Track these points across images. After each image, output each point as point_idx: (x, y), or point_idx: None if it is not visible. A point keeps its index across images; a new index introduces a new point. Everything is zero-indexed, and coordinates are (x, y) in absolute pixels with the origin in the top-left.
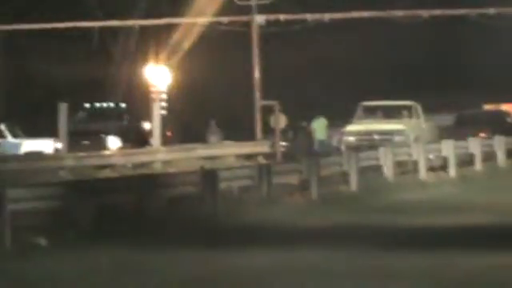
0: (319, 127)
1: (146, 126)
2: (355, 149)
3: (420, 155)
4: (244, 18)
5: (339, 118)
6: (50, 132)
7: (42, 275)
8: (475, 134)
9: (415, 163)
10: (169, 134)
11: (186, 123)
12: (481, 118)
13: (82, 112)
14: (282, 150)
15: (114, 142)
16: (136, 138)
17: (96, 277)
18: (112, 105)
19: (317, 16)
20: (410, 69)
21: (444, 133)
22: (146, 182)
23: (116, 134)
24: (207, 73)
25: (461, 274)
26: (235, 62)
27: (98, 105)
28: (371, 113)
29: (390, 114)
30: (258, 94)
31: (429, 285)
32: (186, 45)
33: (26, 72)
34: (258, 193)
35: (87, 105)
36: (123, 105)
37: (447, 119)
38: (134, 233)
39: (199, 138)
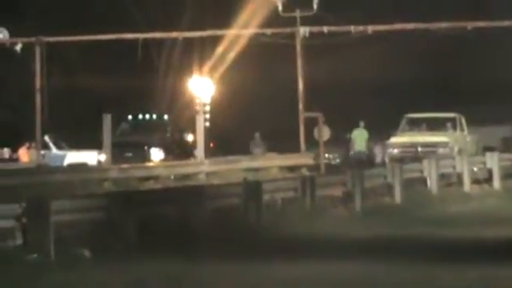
0: (359, 138)
1: (189, 137)
2: (399, 161)
3: (464, 167)
4: (288, 30)
5: (382, 129)
6: (94, 144)
7: (86, 287)
8: None
9: (459, 175)
10: (212, 145)
11: (229, 135)
12: None
13: (125, 124)
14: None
15: (156, 154)
16: (179, 150)
17: None
18: (155, 117)
19: (360, 28)
20: (450, 81)
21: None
22: (190, 194)
23: (159, 145)
24: (251, 84)
25: (507, 286)
26: (279, 73)
27: (140, 117)
28: (415, 125)
29: (435, 126)
30: (301, 106)
31: None
32: (230, 56)
33: (71, 84)
34: (301, 205)
35: (130, 117)
36: (166, 117)
37: (503, 131)
38: (178, 244)
39: (243, 149)
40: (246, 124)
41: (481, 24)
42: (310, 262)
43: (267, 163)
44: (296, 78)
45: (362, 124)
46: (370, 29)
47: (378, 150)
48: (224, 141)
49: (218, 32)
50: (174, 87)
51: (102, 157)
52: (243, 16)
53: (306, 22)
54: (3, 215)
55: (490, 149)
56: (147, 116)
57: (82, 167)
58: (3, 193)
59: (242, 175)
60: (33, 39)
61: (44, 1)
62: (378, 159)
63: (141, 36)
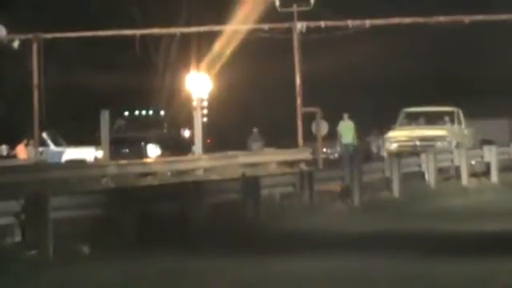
0: (345, 130)
1: (186, 133)
2: (397, 155)
3: (462, 161)
4: (285, 25)
5: (379, 123)
6: (91, 140)
7: (84, 283)
8: None
9: (457, 169)
10: (208, 141)
11: (227, 130)
12: None
13: (121, 120)
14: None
15: (153, 150)
16: (176, 146)
17: (139, 285)
18: (151, 113)
19: (357, 22)
20: (448, 74)
21: None
22: (189, 190)
23: (155, 141)
24: (248, 80)
25: (506, 280)
26: (276, 68)
27: (137, 113)
28: (413, 119)
29: (432, 119)
30: (299, 101)
31: None
32: (227, 52)
33: (68, 80)
34: (299, 200)
35: (126, 113)
36: (162, 112)
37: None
38: (177, 240)
39: (240, 145)
40: (244, 119)
41: (478, 17)
42: (309, 256)
43: (265, 158)
44: (293, 72)
45: (345, 116)
46: (368, 23)
47: (374, 143)
48: (221, 136)
49: (216, 27)
50: (171, 83)
51: (99, 153)
52: (240, 11)
53: (303, 16)
54: (2, 212)
55: (488, 142)
56: (143, 112)
57: (79, 164)
58: (1, 190)
59: (239, 171)
60: (30, 36)
61: None
62: (375, 151)
63: (138, 32)
